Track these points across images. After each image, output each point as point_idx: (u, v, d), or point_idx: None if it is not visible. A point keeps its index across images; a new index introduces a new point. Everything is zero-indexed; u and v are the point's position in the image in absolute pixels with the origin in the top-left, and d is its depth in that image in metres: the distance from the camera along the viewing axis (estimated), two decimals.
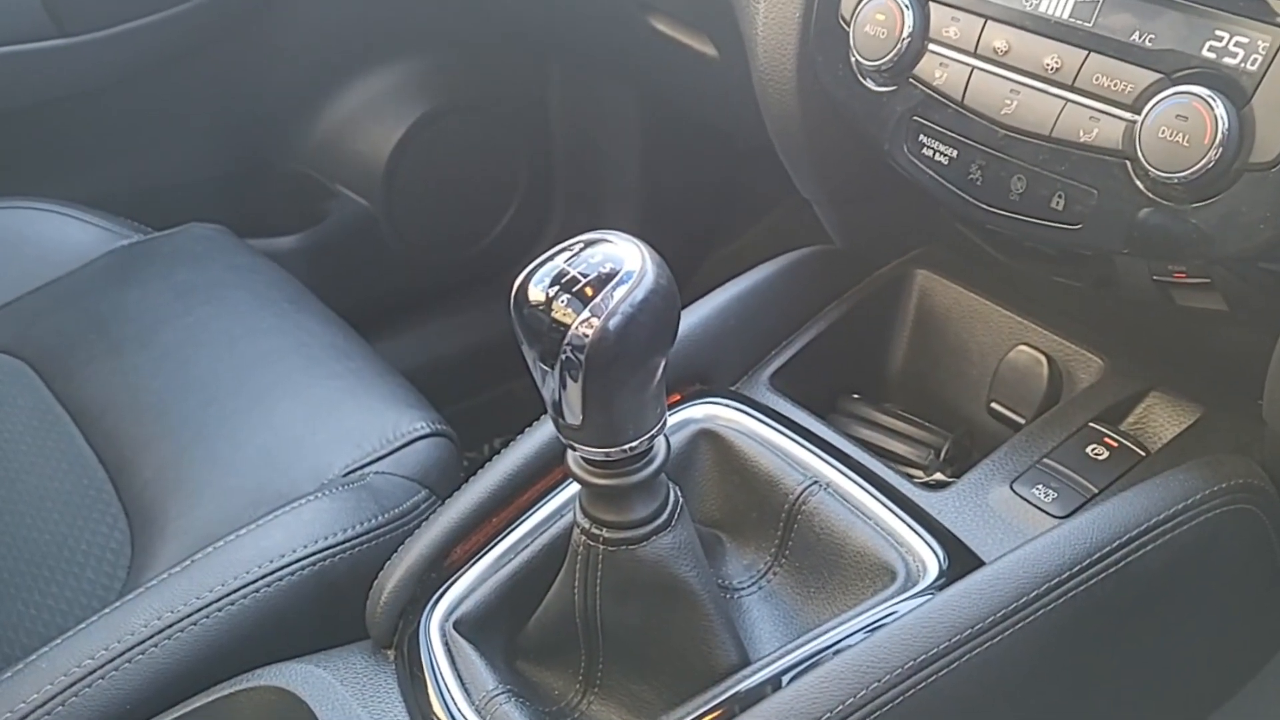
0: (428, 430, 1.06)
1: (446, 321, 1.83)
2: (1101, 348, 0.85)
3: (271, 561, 0.89)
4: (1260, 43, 0.63)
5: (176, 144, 1.59)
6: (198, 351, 1.15)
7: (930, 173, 0.79)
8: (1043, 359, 0.87)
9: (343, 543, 0.92)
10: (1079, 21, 0.70)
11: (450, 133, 1.71)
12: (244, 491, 0.99)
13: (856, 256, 0.98)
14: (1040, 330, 0.88)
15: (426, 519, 0.84)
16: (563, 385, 0.61)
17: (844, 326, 0.93)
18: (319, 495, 0.96)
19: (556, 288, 0.59)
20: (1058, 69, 0.71)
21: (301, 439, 1.05)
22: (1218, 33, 0.64)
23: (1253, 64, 0.63)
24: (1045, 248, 0.79)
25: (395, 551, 0.82)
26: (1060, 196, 0.72)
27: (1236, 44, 0.64)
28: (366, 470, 1.02)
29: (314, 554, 0.90)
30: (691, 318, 0.88)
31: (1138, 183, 0.68)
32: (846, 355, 0.94)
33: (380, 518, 0.95)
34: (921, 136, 0.80)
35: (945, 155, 0.78)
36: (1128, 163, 0.68)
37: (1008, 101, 0.73)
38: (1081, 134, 0.70)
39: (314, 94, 1.65)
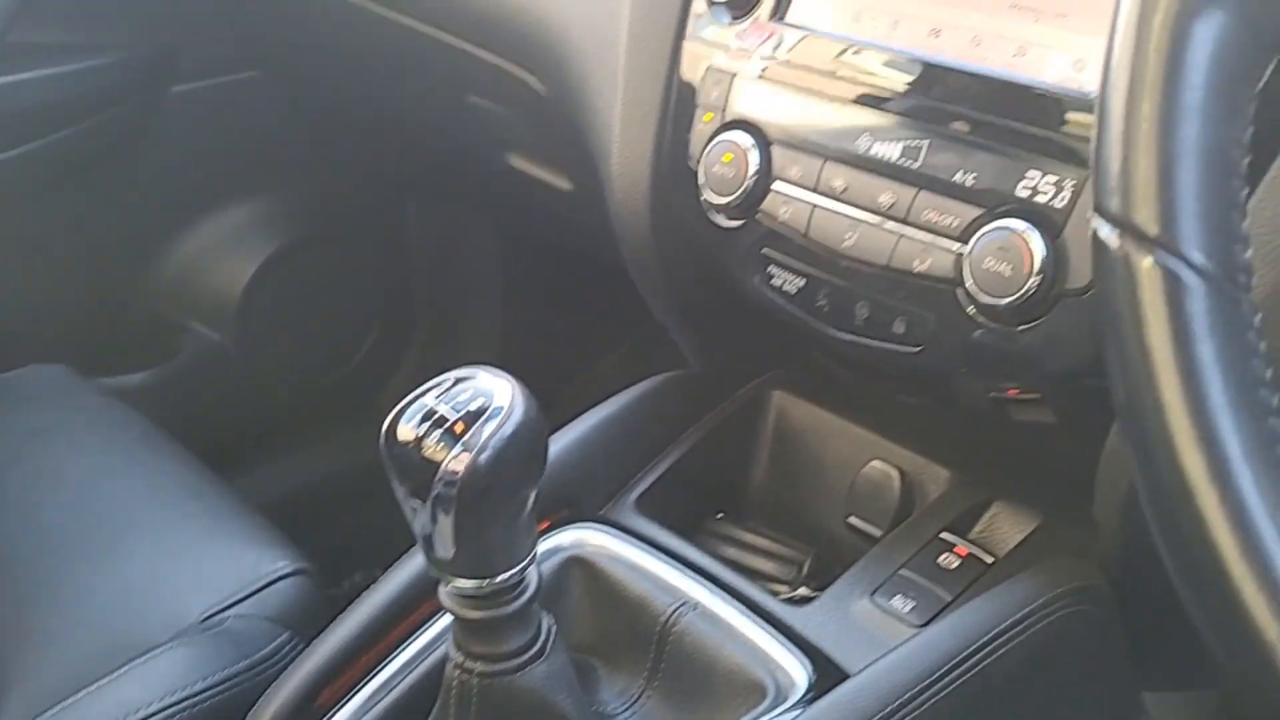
0: (288, 569, 1.04)
1: (305, 454, 1.80)
2: (948, 460, 0.90)
3: (127, 717, 0.85)
4: (1067, 182, 0.69)
5: (17, 281, 1.55)
6: (42, 498, 1.11)
7: (780, 301, 0.84)
8: (894, 473, 0.91)
9: (202, 692, 0.89)
10: (908, 162, 0.76)
11: (307, 264, 1.71)
12: (96, 644, 0.95)
13: (714, 379, 1.02)
14: (891, 445, 0.92)
15: (291, 662, 0.82)
16: (434, 520, 0.61)
17: (705, 448, 0.96)
18: (176, 644, 0.93)
19: (427, 425, 0.60)
20: (892, 205, 0.76)
21: (156, 585, 1.02)
22: (1029, 173, 0.71)
23: (1062, 201, 0.69)
24: (890, 369, 0.84)
25: (260, 698, 0.80)
26: (901, 321, 0.77)
27: (1047, 183, 0.70)
28: (226, 614, 0.99)
29: (172, 706, 0.87)
30: (558, 445, 0.90)
31: (969, 308, 0.73)
32: (709, 476, 0.96)
33: (242, 664, 0.92)
34: (771, 268, 0.84)
35: (793, 285, 0.83)
36: (959, 290, 0.73)
37: (848, 235, 0.79)
38: (916, 264, 0.75)
39: (168, 228, 1.63)
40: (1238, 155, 0.37)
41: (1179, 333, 0.35)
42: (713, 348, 1.04)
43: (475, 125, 1.30)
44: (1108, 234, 0.38)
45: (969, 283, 0.71)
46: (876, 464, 0.92)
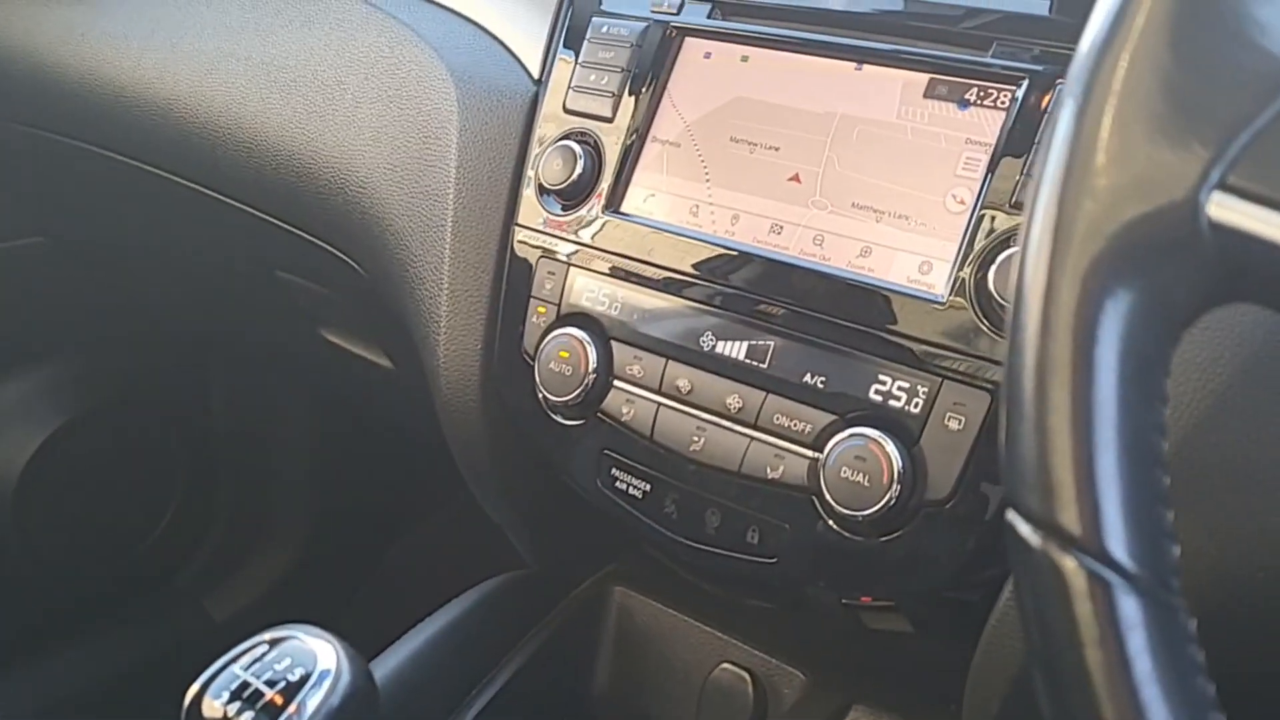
0: None
1: (90, 647, 1.62)
2: (803, 663, 0.85)
3: None
4: (920, 388, 0.67)
5: None
6: None
7: (625, 505, 0.79)
8: (746, 677, 0.86)
9: None
10: (755, 363, 0.73)
11: (95, 439, 1.57)
12: None
13: (551, 577, 0.95)
14: (742, 647, 0.87)
15: None
16: None
17: (545, 655, 0.89)
18: None
19: (238, 703, 0.52)
20: (740, 408, 0.73)
21: None
22: (881, 377, 0.68)
23: (916, 407, 0.67)
24: (741, 578, 0.80)
25: None
26: (755, 531, 0.73)
27: (899, 388, 0.68)
28: None
29: None
30: (384, 669, 0.81)
31: (826, 519, 0.69)
32: (549, 687, 0.89)
33: None
34: (614, 470, 0.79)
35: (638, 489, 0.78)
36: (815, 499, 0.70)
37: (695, 438, 0.75)
38: (769, 470, 0.72)
39: None
40: (1158, 442, 0.35)
41: (1115, 652, 0.32)
42: (548, 544, 0.97)
43: (284, 300, 1.22)
44: (1027, 533, 0.35)
45: (825, 493, 0.68)
46: (727, 667, 0.87)
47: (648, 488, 0.78)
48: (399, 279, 0.92)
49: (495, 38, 0.93)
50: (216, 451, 1.71)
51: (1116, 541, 0.33)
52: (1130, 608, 0.33)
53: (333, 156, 0.98)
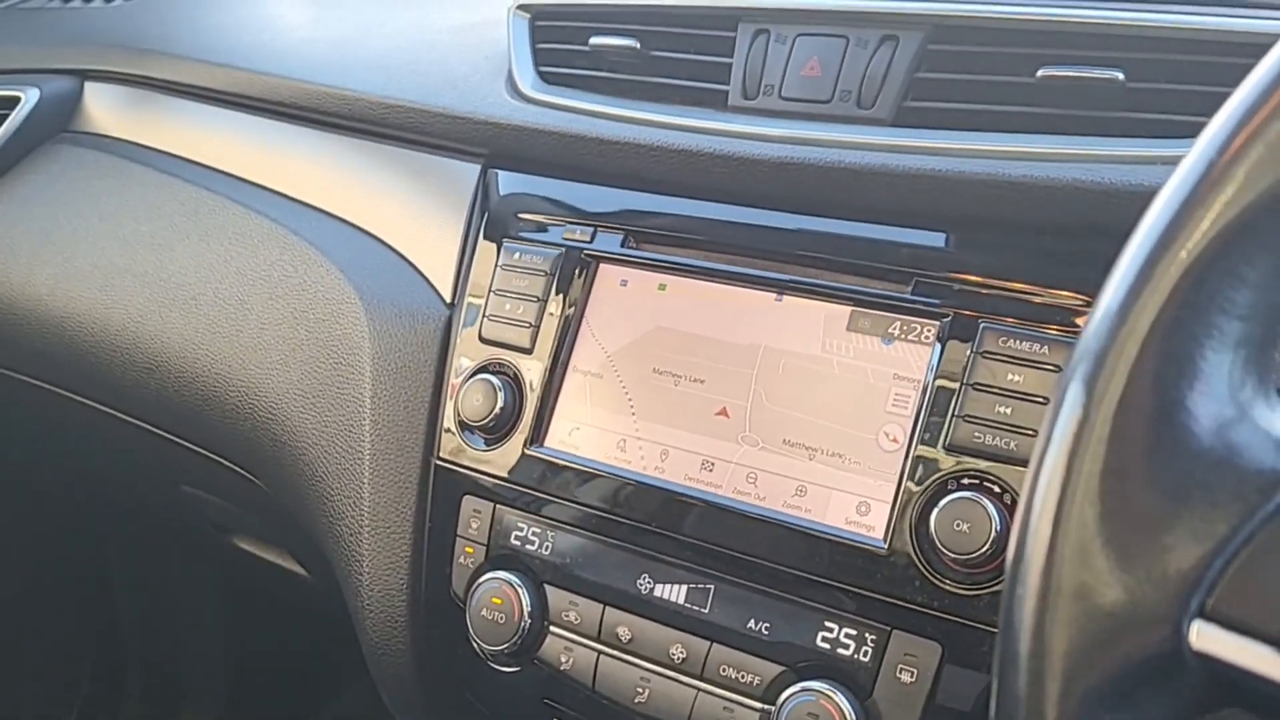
0: None
1: None
2: None
3: None
4: (868, 635, 0.65)
5: None
6: None
7: None
8: None
9: None
10: (696, 609, 0.71)
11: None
12: None
13: None
14: None
15: None
16: None
17: None
18: None
19: None
20: (684, 658, 0.71)
21: None
22: (828, 624, 0.67)
23: (865, 656, 0.65)
24: None
25: None
26: None
27: (847, 636, 0.66)
28: None
29: None
30: None
31: None
32: None
33: None
34: None
35: None
36: None
37: (640, 689, 0.72)
38: None
39: None
40: None
41: None
42: None
43: (191, 510, 1.17)
44: None
45: None
46: None
47: None
48: (316, 511, 0.89)
49: (403, 257, 0.91)
50: (125, 642, 1.62)
51: None
52: None
53: (239, 379, 0.94)
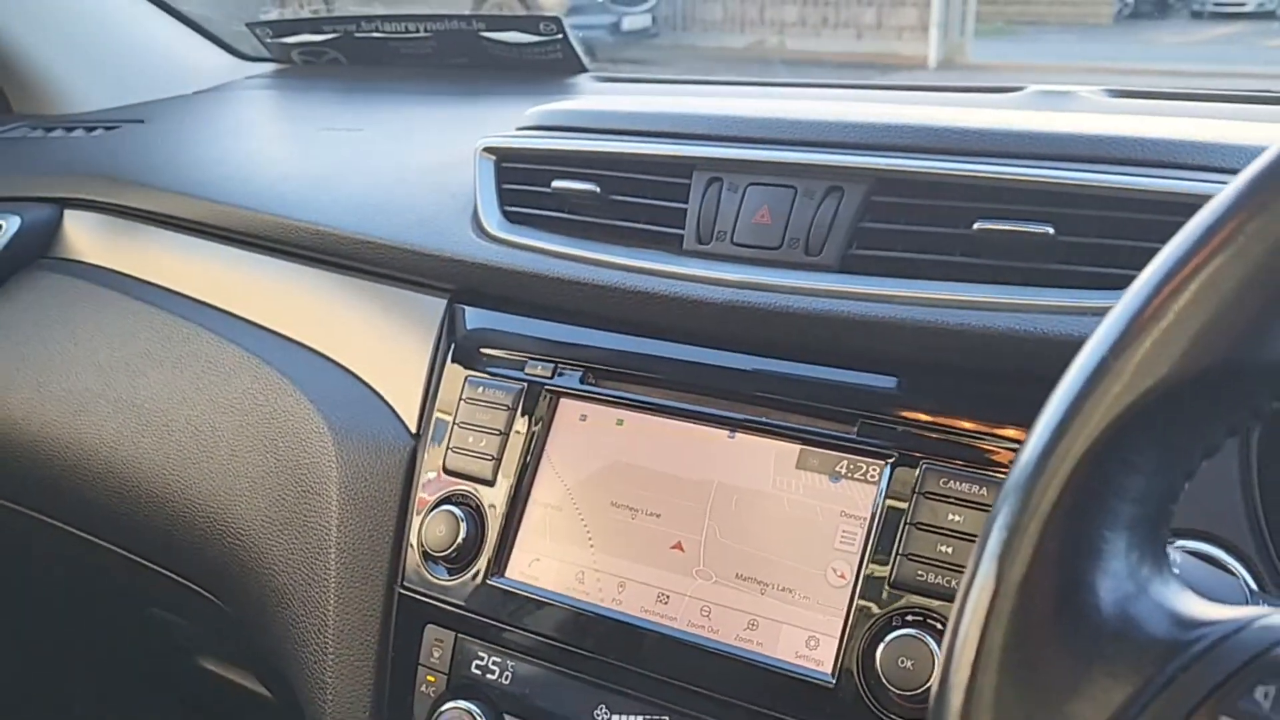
0: None
1: None
2: None
3: None
4: None
5: None
6: None
7: None
8: None
9: None
10: None
11: None
12: None
13: None
14: None
15: None
16: None
17: None
18: None
19: None
20: None
21: None
22: None
23: None
24: None
25: None
26: None
27: None
28: None
29: None
30: None
31: None
32: None
33: None
34: None
35: None
36: None
37: None
38: None
39: None
40: None
41: None
42: None
43: (158, 631, 1.18)
44: None
45: None
46: None
47: None
48: (280, 636, 0.90)
49: (371, 388, 0.93)
50: None
51: None
52: None
53: (208, 505, 0.96)
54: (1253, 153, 0.64)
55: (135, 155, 1.25)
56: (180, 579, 1.03)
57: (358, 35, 1.55)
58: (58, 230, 1.22)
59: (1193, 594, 0.38)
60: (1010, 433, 0.69)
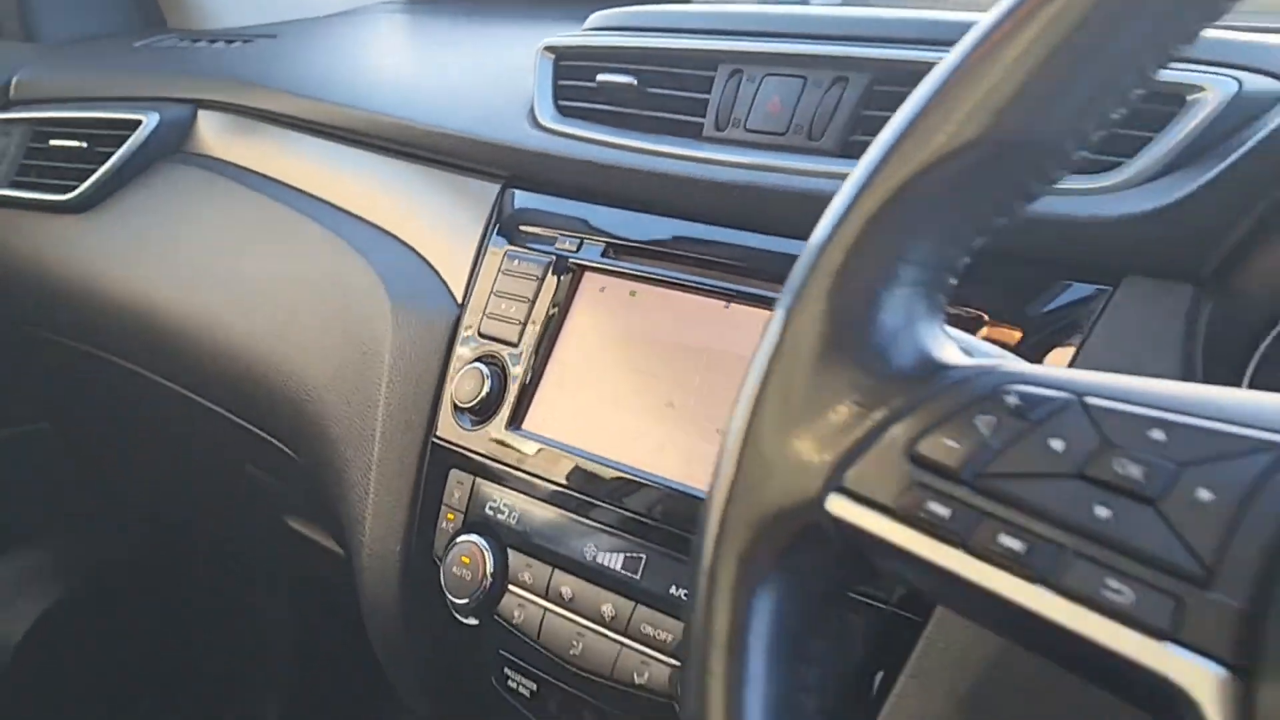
0: None
1: None
2: None
3: None
4: None
5: None
6: None
7: (515, 704, 0.84)
8: None
9: None
10: (629, 575, 0.79)
11: (83, 622, 1.64)
12: None
13: None
14: None
15: None
16: None
17: None
18: None
19: None
20: (614, 616, 0.79)
21: None
22: None
23: None
24: None
25: None
26: None
27: None
28: None
29: None
30: None
31: None
32: None
33: None
34: (507, 669, 0.85)
35: (527, 689, 0.84)
36: (676, 705, 0.75)
37: (575, 643, 0.80)
38: (635, 676, 0.77)
39: None
40: (806, 700, 0.41)
41: None
42: None
43: (253, 490, 1.31)
44: None
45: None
46: None
47: (535, 688, 0.83)
48: (335, 480, 1.00)
49: (428, 262, 1.02)
50: (194, 638, 1.76)
51: None
52: None
53: (288, 368, 1.07)
54: None
55: (260, 63, 1.38)
56: (265, 435, 1.15)
57: None
58: (191, 127, 1.35)
59: (953, 345, 0.42)
60: (977, 306, 0.73)
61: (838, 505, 0.40)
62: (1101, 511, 0.35)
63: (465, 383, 0.90)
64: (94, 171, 1.31)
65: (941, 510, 0.38)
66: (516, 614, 0.84)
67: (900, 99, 0.78)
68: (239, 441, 1.21)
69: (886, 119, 0.78)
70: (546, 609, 0.82)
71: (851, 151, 0.80)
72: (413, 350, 0.97)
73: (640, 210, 0.90)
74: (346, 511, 0.98)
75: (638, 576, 0.79)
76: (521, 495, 0.86)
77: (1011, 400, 0.39)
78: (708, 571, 0.42)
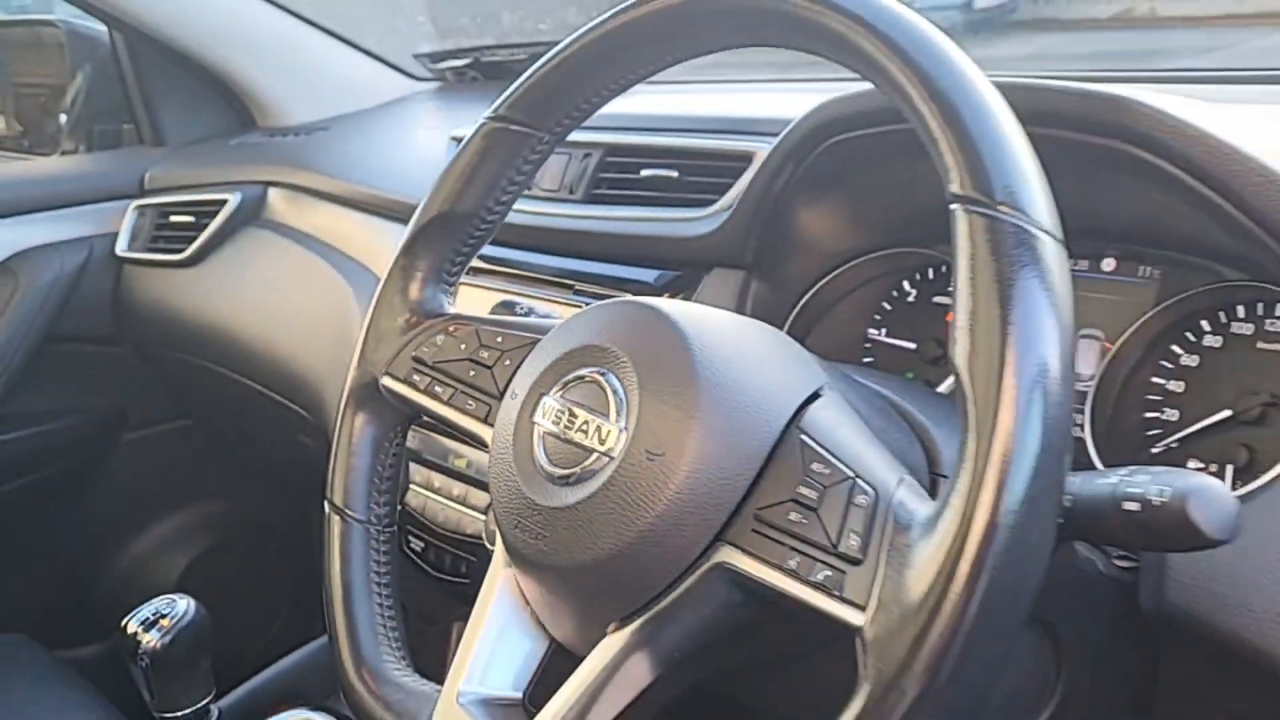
0: None
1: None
2: None
3: None
4: None
5: None
6: None
7: (412, 556, 1.34)
8: None
9: None
10: (477, 475, 1.28)
11: (226, 564, 2.16)
12: None
13: None
14: None
15: None
16: None
17: None
18: None
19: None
20: (456, 495, 1.28)
21: None
22: None
23: None
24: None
25: None
26: (462, 563, 1.27)
27: None
28: None
29: None
30: None
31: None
32: None
33: None
34: (409, 536, 1.35)
35: (419, 546, 1.34)
36: (487, 543, 1.24)
37: (438, 513, 1.30)
38: (468, 529, 1.26)
39: (122, 530, 2.12)
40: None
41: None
42: None
43: (305, 458, 1.86)
44: None
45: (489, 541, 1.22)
46: None
47: (422, 546, 1.33)
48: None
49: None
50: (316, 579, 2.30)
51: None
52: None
53: (308, 367, 1.61)
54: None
55: (312, 152, 1.92)
56: (301, 410, 1.69)
57: (484, 60, 2.16)
58: (265, 202, 1.88)
59: (452, 296, 0.90)
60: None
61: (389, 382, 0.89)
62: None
63: None
64: (198, 237, 1.89)
65: None
66: (413, 501, 1.34)
67: (615, 165, 1.27)
68: (286, 416, 1.75)
69: (610, 178, 1.26)
70: (427, 496, 1.32)
71: (593, 199, 1.28)
72: None
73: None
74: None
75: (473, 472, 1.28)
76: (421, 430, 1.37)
77: None
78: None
